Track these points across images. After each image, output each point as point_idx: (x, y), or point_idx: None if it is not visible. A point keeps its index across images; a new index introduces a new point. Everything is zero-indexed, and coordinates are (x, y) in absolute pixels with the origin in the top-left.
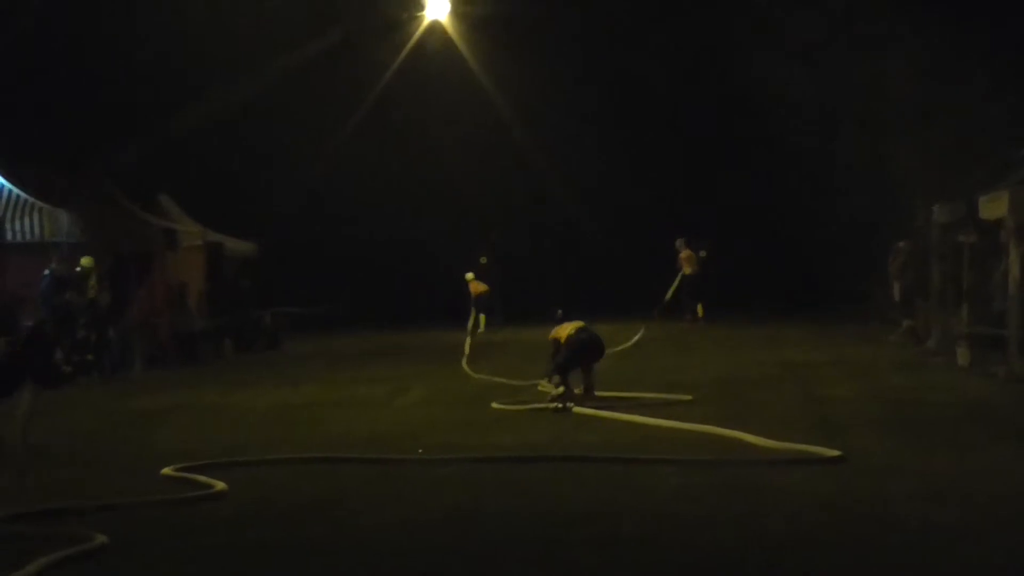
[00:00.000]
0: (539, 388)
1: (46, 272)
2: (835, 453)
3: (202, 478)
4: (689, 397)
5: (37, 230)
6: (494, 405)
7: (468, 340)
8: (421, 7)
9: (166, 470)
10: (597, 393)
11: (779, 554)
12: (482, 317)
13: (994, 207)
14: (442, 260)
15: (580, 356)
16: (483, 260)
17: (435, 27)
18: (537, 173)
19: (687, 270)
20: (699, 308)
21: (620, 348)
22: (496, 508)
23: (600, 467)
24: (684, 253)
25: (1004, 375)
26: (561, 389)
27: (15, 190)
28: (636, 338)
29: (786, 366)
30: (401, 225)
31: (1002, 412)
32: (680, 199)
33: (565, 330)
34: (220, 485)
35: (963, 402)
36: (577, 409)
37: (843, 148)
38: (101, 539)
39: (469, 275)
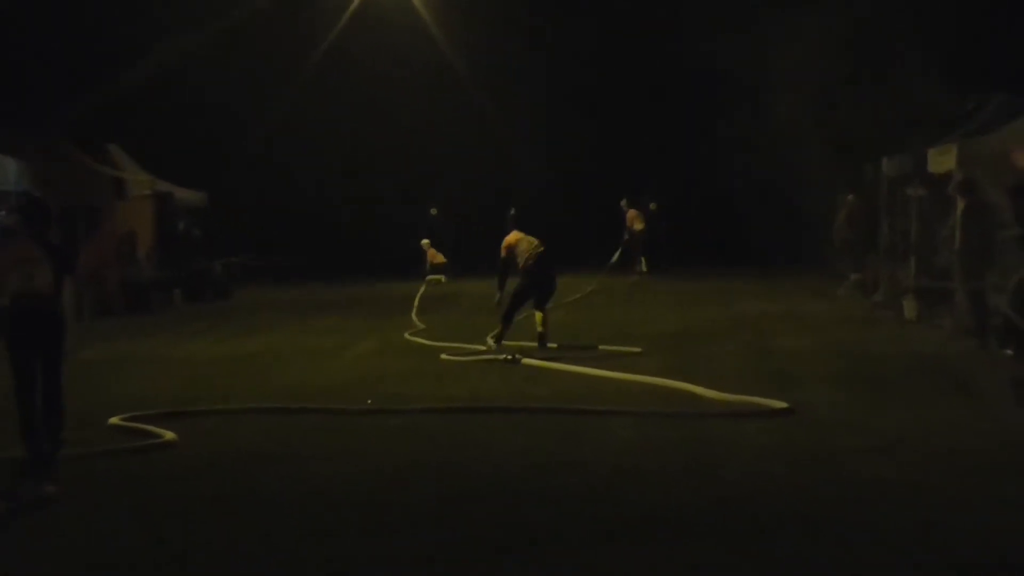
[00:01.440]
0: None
1: None
2: (783, 405)
3: (151, 428)
4: (639, 349)
5: None
6: (443, 357)
7: (419, 294)
8: None
9: (114, 420)
10: (549, 344)
11: (731, 507)
12: (438, 277)
13: (943, 160)
14: (393, 214)
15: (529, 294)
16: (433, 211)
17: None
18: (489, 128)
19: (637, 226)
20: (643, 262)
21: (571, 299)
22: (448, 460)
23: (552, 419)
24: (630, 212)
25: (951, 328)
26: (495, 350)
27: None
28: (588, 290)
29: (736, 320)
30: (352, 177)
31: (949, 365)
32: (627, 155)
33: (522, 244)
34: (169, 435)
35: (911, 355)
36: (526, 360)
37: (784, 105)
38: (49, 489)
39: (425, 242)
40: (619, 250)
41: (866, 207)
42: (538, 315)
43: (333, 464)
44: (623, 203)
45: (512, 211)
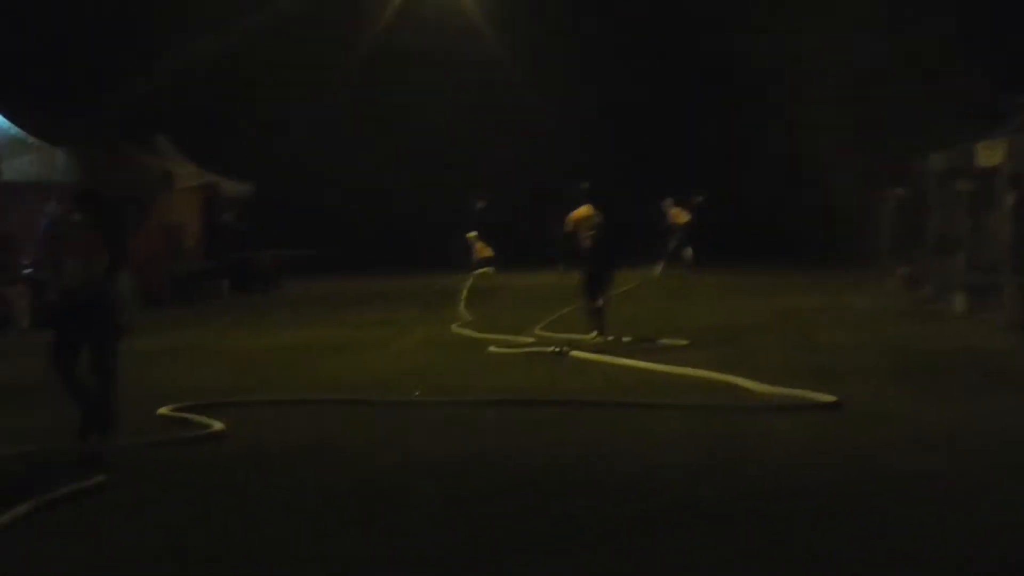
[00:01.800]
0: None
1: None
2: (831, 399)
3: (200, 418)
4: (686, 342)
5: (35, 169)
6: (491, 350)
7: (466, 287)
8: None
9: (163, 410)
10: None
11: (769, 500)
12: (486, 269)
13: (991, 154)
14: (437, 208)
15: (597, 270)
16: (481, 205)
17: None
18: (530, 125)
19: (681, 220)
20: (688, 253)
21: (620, 291)
22: (492, 453)
23: (596, 412)
24: (673, 211)
25: (1000, 322)
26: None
27: (13, 128)
28: (635, 283)
29: (781, 313)
30: (399, 170)
31: (998, 359)
32: (672, 150)
33: (586, 218)
34: (218, 425)
35: (959, 349)
36: (574, 353)
37: (832, 100)
38: (99, 478)
39: (472, 235)
40: (675, 243)
41: (915, 201)
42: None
43: (381, 456)
44: (664, 204)
45: (585, 184)
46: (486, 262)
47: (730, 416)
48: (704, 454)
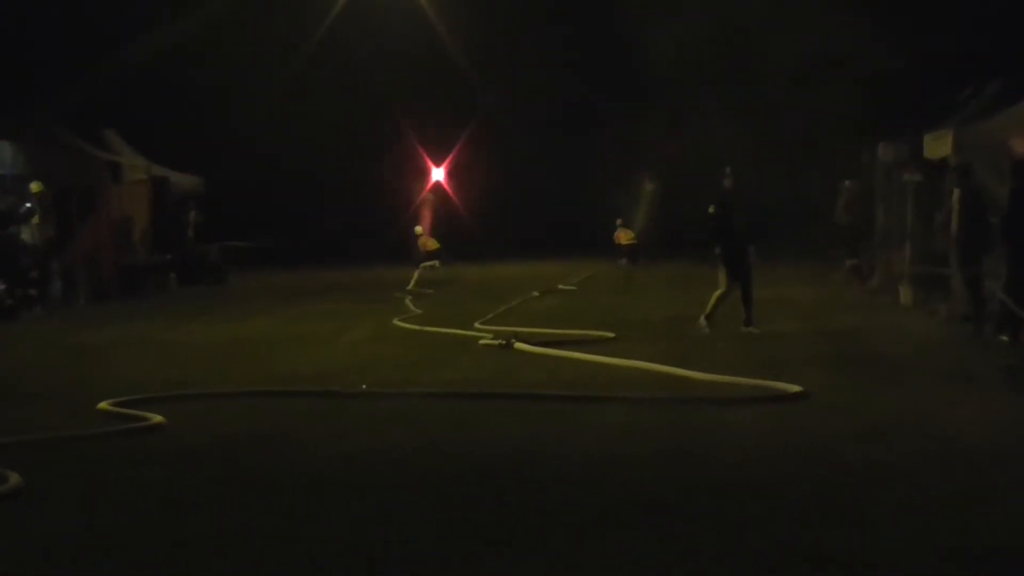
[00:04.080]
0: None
1: None
2: (798, 389)
3: (137, 412)
4: (612, 335)
5: None
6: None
7: (415, 278)
8: None
9: (102, 404)
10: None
11: (725, 493)
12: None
13: (938, 146)
14: (388, 200)
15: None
16: (428, 198)
17: None
18: (488, 118)
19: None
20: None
21: (566, 287)
22: (441, 446)
23: (546, 405)
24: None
25: (946, 314)
26: None
27: None
28: (585, 276)
29: (732, 305)
30: (346, 163)
31: (944, 351)
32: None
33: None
34: (156, 418)
35: (906, 341)
36: (519, 345)
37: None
38: (15, 479)
39: (418, 228)
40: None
41: (863, 193)
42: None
43: (325, 448)
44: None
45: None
46: (432, 255)
47: (680, 408)
48: (656, 447)
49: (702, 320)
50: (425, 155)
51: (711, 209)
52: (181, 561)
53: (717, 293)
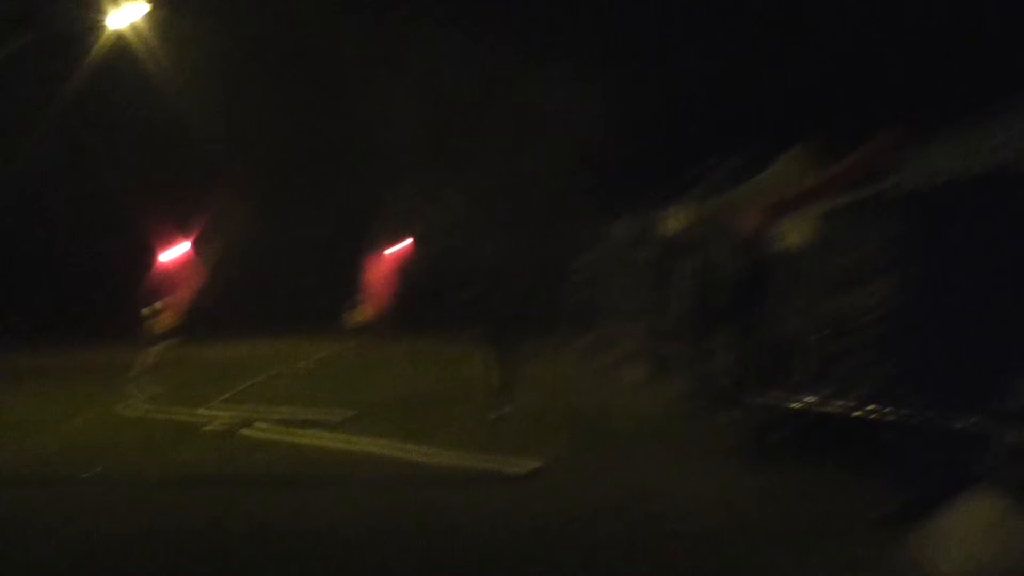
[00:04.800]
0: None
1: None
2: (534, 466)
3: None
4: (348, 413)
5: None
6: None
7: (146, 359)
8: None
9: None
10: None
11: (462, 569)
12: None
13: (672, 222)
14: (124, 274)
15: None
16: (171, 272)
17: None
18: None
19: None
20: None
21: (302, 365)
22: (167, 531)
23: (273, 488)
24: None
25: (677, 389)
26: None
27: None
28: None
29: (465, 381)
30: (84, 234)
31: (674, 426)
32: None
33: None
34: None
35: (640, 416)
36: (248, 431)
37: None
38: None
39: (155, 307)
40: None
41: (601, 268)
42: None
43: (51, 539)
44: None
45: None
46: (168, 334)
47: (412, 488)
48: (387, 527)
49: (505, 407)
50: (170, 228)
51: (470, 287)
52: None
53: (485, 371)
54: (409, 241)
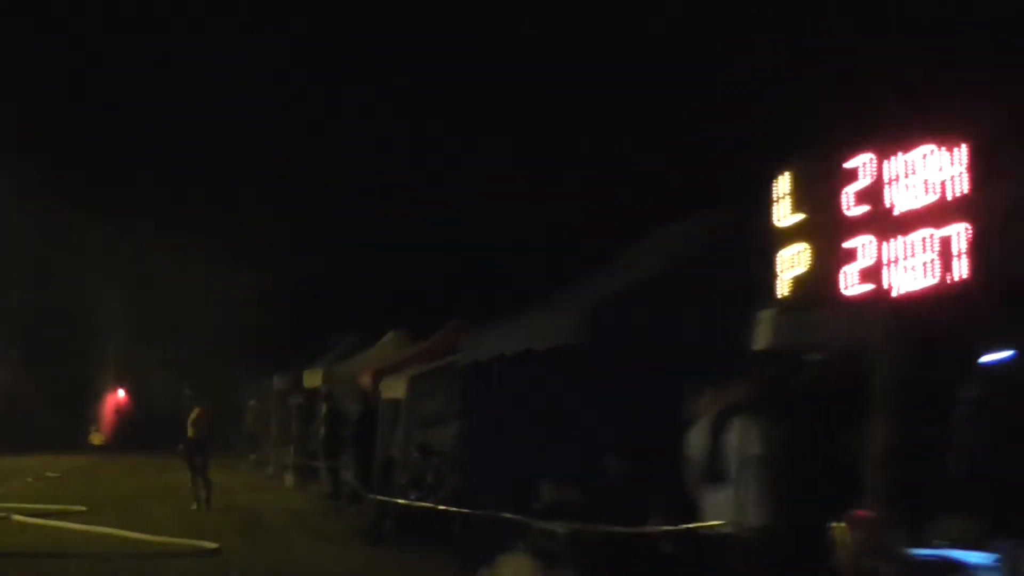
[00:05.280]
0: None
1: None
2: (214, 546)
3: None
4: (84, 508)
5: None
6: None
7: None
8: None
9: None
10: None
11: None
12: None
13: (313, 378)
14: None
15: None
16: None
17: None
18: None
19: None
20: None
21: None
22: None
23: (32, 558)
24: None
25: (316, 493)
26: None
27: None
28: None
29: (168, 487)
30: None
31: (315, 519)
32: None
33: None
34: None
35: (290, 511)
36: (17, 519)
37: None
38: None
39: None
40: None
41: (263, 408)
42: None
43: None
44: None
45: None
46: None
47: (126, 562)
48: None
49: (194, 504)
50: None
51: (190, 419)
52: None
53: (190, 479)
54: (123, 390)
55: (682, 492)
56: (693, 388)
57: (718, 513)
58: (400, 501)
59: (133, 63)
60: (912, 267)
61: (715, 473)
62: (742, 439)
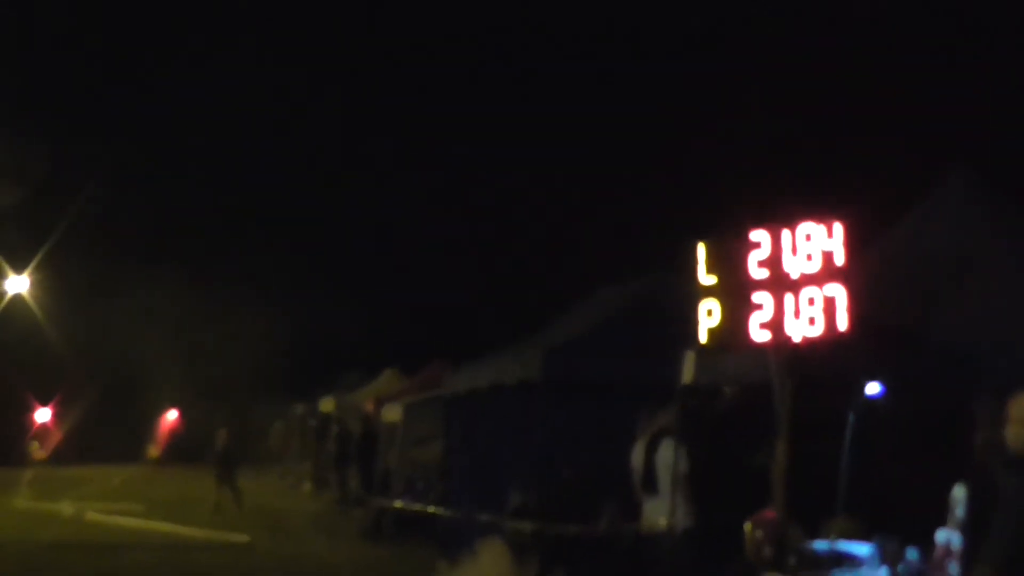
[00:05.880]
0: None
1: None
2: (246, 539)
3: None
4: (141, 508)
5: None
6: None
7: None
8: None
9: None
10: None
11: None
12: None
13: (326, 405)
14: None
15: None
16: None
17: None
18: None
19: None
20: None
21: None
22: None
23: (102, 548)
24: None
25: (329, 498)
26: None
27: None
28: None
29: (207, 493)
30: None
31: (327, 519)
32: None
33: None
34: None
35: (306, 513)
36: (91, 515)
37: None
38: None
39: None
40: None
41: (287, 430)
42: None
43: None
44: None
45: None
46: (40, 461)
47: (174, 551)
48: (168, 568)
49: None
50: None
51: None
52: None
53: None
54: (176, 412)
55: (627, 498)
56: (640, 414)
57: (654, 516)
58: (396, 504)
59: None
60: (803, 319)
61: (650, 484)
62: (671, 457)
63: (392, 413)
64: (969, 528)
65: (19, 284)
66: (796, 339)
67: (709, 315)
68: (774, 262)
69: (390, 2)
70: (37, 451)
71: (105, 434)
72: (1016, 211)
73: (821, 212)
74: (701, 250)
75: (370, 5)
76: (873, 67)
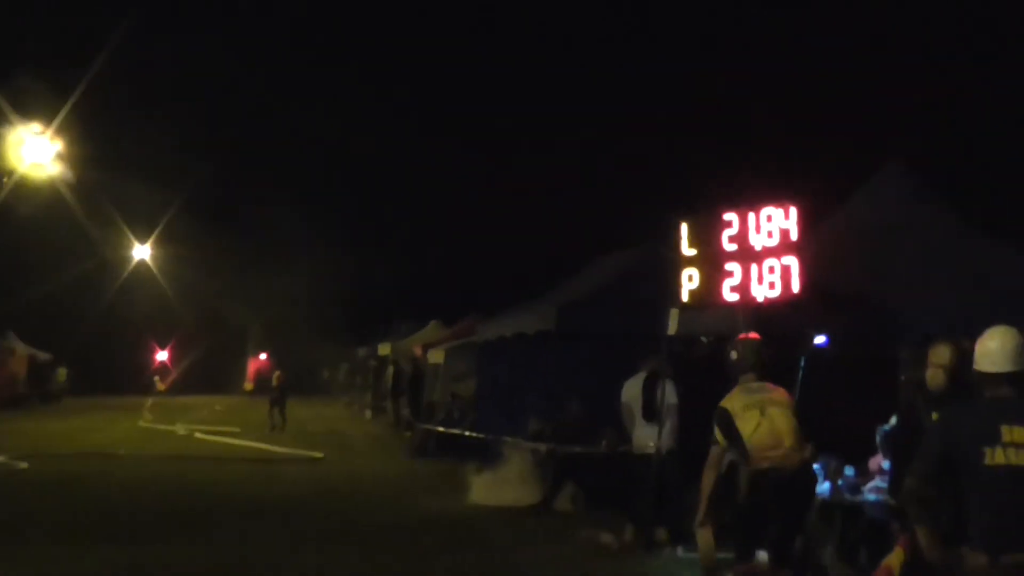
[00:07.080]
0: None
1: None
2: (319, 455)
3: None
4: (237, 429)
5: None
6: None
7: (148, 403)
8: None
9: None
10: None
11: (289, 501)
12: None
13: (384, 349)
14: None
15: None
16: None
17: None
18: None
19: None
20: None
21: (218, 407)
22: (163, 477)
23: (208, 461)
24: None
25: (385, 423)
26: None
27: None
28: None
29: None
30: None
31: (384, 439)
32: None
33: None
34: (23, 464)
35: (366, 436)
36: (198, 435)
37: None
38: None
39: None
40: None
41: (351, 370)
42: None
43: (110, 480)
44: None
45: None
46: (159, 392)
47: (265, 464)
48: (262, 477)
49: (269, 428)
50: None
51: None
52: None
53: (268, 412)
54: (266, 354)
55: (622, 426)
56: (635, 359)
57: (644, 439)
58: (439, 428)
59: None
60: (765, 284)
61: (650, 413)
62: (664, 392)
63: (436, 356)
64: (896, 452)
65: (143, 252)
66: (759, 299)
67: (690, 280)
68: (742, 237)
69: None
70: (157, 383)
71: (210, 370)
72: (937, 196)
73: (780, 197)
74: (683, 227)
75: None
76: (825, 75)
